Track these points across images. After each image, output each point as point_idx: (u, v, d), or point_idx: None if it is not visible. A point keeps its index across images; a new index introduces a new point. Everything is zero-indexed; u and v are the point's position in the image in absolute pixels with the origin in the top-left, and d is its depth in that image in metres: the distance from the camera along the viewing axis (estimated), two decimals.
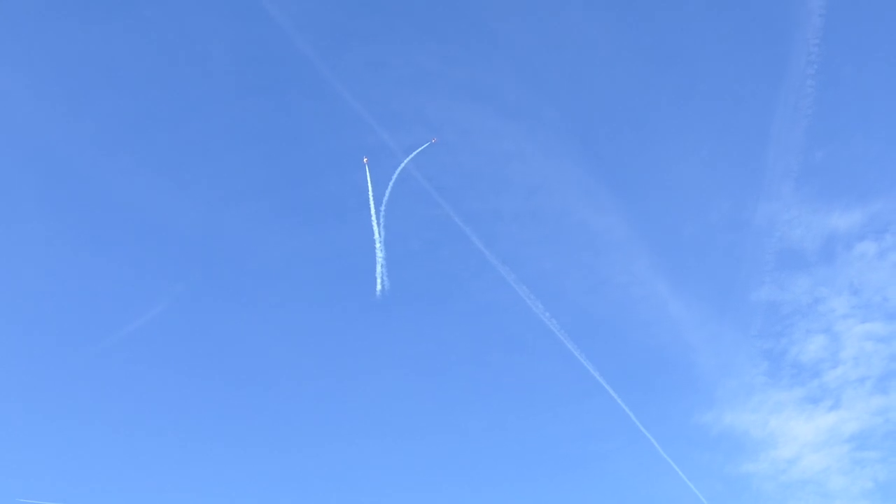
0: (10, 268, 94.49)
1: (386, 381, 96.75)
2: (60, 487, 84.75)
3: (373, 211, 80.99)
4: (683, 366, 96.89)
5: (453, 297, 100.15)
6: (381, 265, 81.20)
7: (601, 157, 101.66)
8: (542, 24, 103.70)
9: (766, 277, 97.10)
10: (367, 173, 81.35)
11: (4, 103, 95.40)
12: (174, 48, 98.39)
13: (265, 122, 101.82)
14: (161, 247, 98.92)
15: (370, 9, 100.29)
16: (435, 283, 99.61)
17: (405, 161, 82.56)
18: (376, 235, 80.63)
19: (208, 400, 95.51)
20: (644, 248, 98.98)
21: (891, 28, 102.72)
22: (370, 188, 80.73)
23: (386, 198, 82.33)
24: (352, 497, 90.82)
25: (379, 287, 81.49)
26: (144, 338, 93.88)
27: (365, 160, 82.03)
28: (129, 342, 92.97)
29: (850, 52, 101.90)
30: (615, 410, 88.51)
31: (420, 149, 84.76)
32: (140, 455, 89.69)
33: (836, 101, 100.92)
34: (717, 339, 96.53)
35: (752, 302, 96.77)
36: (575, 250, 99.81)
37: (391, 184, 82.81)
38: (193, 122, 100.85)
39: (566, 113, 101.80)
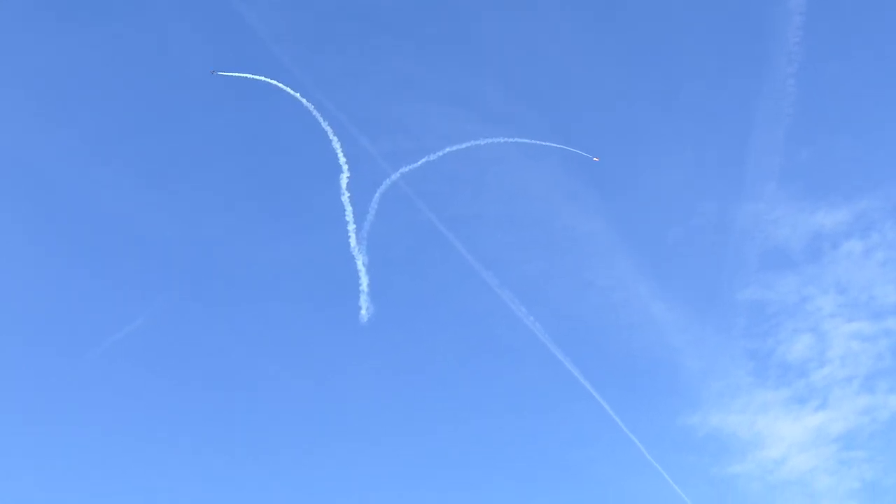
0: None
1: (371, 388, 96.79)
2: (42, 494, 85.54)
3: (353, 239, 79.22)
4: (668, 368, 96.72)
5: (436, 303, 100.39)
6: (365, 292, 79.71)
7: (583, 160, 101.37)
8: (521, 28, 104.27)
9: (752, 277, 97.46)
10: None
11: None
12: (152, 58, 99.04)
13: (245, 131, 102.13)
14: (143, 257, 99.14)
15: (347, 16, 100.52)
16: (418, 288, 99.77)
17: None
18: (359, 264, 79.30)
19: (192, 408, 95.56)
20: (627, 251, 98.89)
21: (872, 25, 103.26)
22: (349, 210, 78.72)
23: (370, 216, 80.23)
24: (337, 502, 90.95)
25: (364, 312, 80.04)
26: (127, 348, 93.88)
27: (212, 72, 79.22)
28: (112, 353, 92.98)
29: (831, 50, 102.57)
30: (600, 414, 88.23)
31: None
32: (124, 463, 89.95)
33: (818, 100, 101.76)
34: (703, 340, 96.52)
35: (737, 302, 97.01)
36: (558, 254, 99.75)
37: (376, 198, 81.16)
38: (172, 131, 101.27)
39: (547, 116, 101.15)
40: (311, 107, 75.94)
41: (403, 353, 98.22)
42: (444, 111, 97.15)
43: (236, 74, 77.39)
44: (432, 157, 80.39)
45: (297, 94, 76.10)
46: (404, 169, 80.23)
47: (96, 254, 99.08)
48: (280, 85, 76.82)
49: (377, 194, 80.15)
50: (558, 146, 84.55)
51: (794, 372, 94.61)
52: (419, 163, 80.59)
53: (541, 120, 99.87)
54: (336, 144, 75.65)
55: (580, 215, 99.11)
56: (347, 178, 76.61)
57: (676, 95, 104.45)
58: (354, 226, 77.90)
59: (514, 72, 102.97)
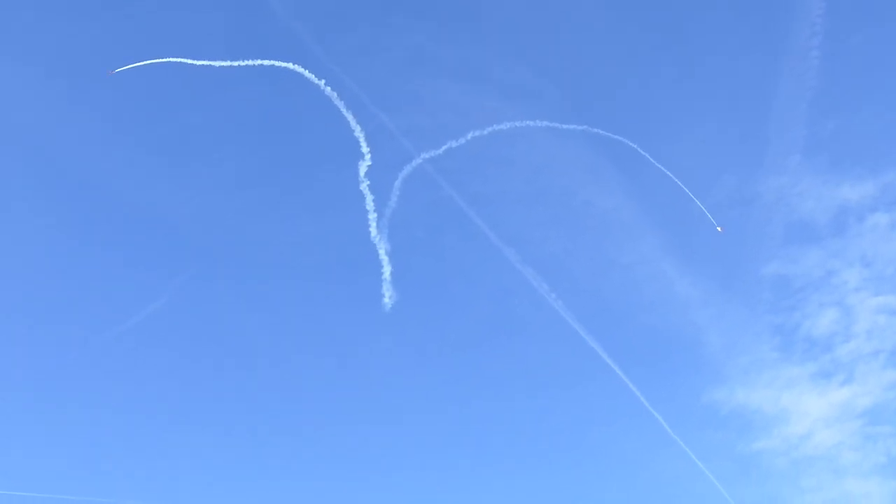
0: (8, 264, 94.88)
1: (391, 367, 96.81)
2: (65, 479, 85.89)
3: (373, 228, 77.20)
4: (692, 344, 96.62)
5: (458, 281, 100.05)
6: (388, 281, 77.72)
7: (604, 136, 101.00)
8: (539, 2, 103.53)
9: (776, 252, 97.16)
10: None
11: None
12: (166, 37, 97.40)
13: (260, 110, 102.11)
14: (159, 239, 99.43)
15: None
16: (440, 267, 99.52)
17: None
18: (381, 253, 77.33)
19: (214, 389, 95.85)
20: (650, 227, 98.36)
21: None
22: (369, 198, 77.03)
23: (392, 203, 78.09)
24: (355, 482, 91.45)
25: (387, 300, 78.07)
26: (149, 329, 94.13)
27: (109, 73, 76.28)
28: (133, 333, 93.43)
29: (854, 21, 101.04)
30: (623, 391, 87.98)
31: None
32: (144, 445, 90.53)
33: (841, 72, 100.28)
34: (727, 315, 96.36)
35: (762, 277, 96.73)
36: (580, 231, 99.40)
37: (397, 185, 79.09)
38: (187, 111, 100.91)
39: (567, 92, 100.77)
40: (333, 95, 74.40)
41: (426, 332, 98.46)
42: (463, 87, 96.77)
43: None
44: (454, 144, 79.35)
45: (322, 82, 74.44)
46: (426, 155, 79.18)
47: (117, 235, 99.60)
48: (301, 68, 75.16)
49: (398, 181, 79.09)
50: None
51: (820, 347, 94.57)
52: (441, 149, 79.63)
53: (560, 95, 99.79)
54: (359, 133, 74.26)
55: (602, 191, 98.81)
56: (368, 165, 75.35)
57: (698, 68, 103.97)
58: (375, 214, 76.61)
59: (533, 47, 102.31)
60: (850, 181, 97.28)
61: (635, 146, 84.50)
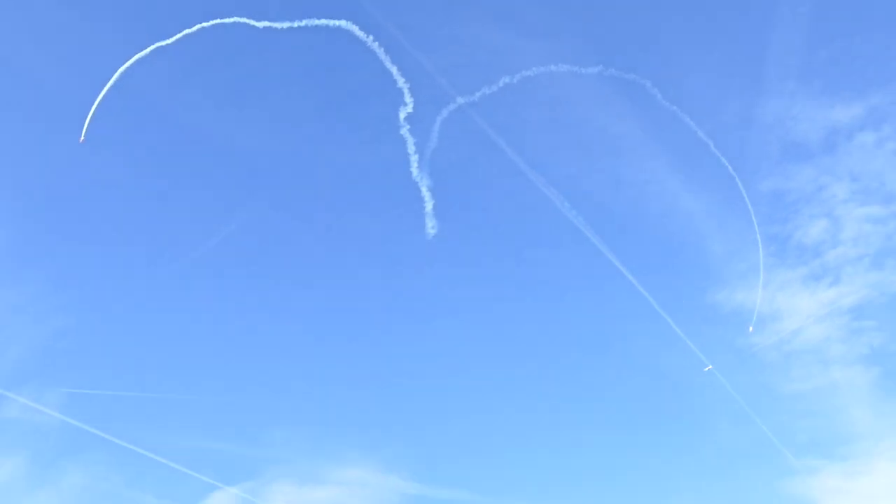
0: (95, 197, 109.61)
1: (435, 283, 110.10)
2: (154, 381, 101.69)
3: (415, 168, 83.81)
4: (696, 252, 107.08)
5: (486, 201, 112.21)
6: (430, 213, 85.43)
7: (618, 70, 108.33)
8: None
9: (773, 169, 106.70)
10: None
11: (77, 38, 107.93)
12: None
13: (314, 51, 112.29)
14: (231, 170, 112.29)
15: None
16: (470, 188, 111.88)
17: None
18: (423, 190, 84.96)
19: (281, 304, 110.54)
20: (659, 149, 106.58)
21: None
22: (410, 141, 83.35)
23: (432, 143, 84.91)
24: (393, 378, 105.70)
25: (430, 230, 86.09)
26: (224, 251, 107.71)
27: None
28: (210, 256, 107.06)
29: None
30: (635, 295, 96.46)
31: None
32: (215, 352, 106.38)
33: (835, 3, 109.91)
34: (728, 226, 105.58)
35: (759, 192, 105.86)
36: (596, 154, 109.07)
37: (436, 127, 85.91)
38: (254, 61, 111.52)
39: (585, 31, 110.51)
40: (380, 50, 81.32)
41: (458, 246, 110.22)
42: (492, 27, 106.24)
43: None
44: (488, 90, 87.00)
45: (370, 38, 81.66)
46: (462, 99, 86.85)
47: (189, 170, 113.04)
48: (356, 30, 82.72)
49: (437, 123, 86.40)
50: None
51: (810, 253, 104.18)
52: (476, 95, 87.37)
53: (579, 35, 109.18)
54: (402, 84, 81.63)
55: (616, 120, 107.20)
56: (409, 112, 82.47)
57: (701, 7, 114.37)
58: (417, 155, 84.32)
59: None
60: (840, 104, 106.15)
61: (647, 83, 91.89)
